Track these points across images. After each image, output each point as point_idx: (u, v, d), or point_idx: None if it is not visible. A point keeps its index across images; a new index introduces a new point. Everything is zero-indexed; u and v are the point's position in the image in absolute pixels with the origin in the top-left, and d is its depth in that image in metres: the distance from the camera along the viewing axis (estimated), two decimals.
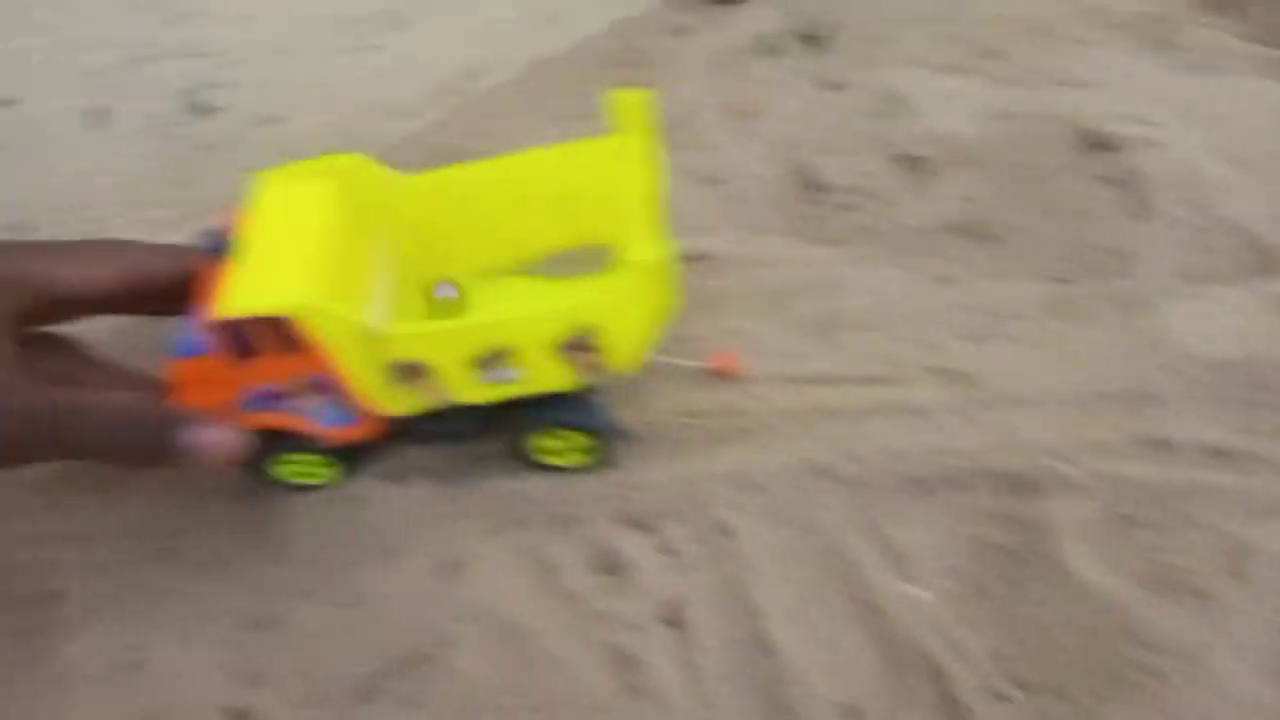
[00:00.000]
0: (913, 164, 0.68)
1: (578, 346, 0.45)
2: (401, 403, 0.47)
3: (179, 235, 0.52)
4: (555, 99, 0.78)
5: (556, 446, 0.51)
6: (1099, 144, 0.66)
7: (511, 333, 0.45)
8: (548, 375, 0.47)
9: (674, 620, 0.46)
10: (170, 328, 0.50)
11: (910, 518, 0.49)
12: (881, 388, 0.55)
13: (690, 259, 0.60)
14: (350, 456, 0.51)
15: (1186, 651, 0.43)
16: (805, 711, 0.43)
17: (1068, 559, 0.47)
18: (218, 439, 0.43)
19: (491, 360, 0.45)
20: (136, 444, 0.42)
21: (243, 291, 0.43)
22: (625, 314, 0.46)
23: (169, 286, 0.48)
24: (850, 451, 0.51)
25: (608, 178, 0.52)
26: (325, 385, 0.46)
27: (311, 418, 0.48)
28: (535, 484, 0.51)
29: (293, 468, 0.51)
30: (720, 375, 0.55)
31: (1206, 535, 0.47)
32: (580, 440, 0.50)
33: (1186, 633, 0.44)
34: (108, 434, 0.41)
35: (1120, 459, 0.50)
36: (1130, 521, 0.48)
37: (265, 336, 0.44)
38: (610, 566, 0.48)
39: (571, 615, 0.47)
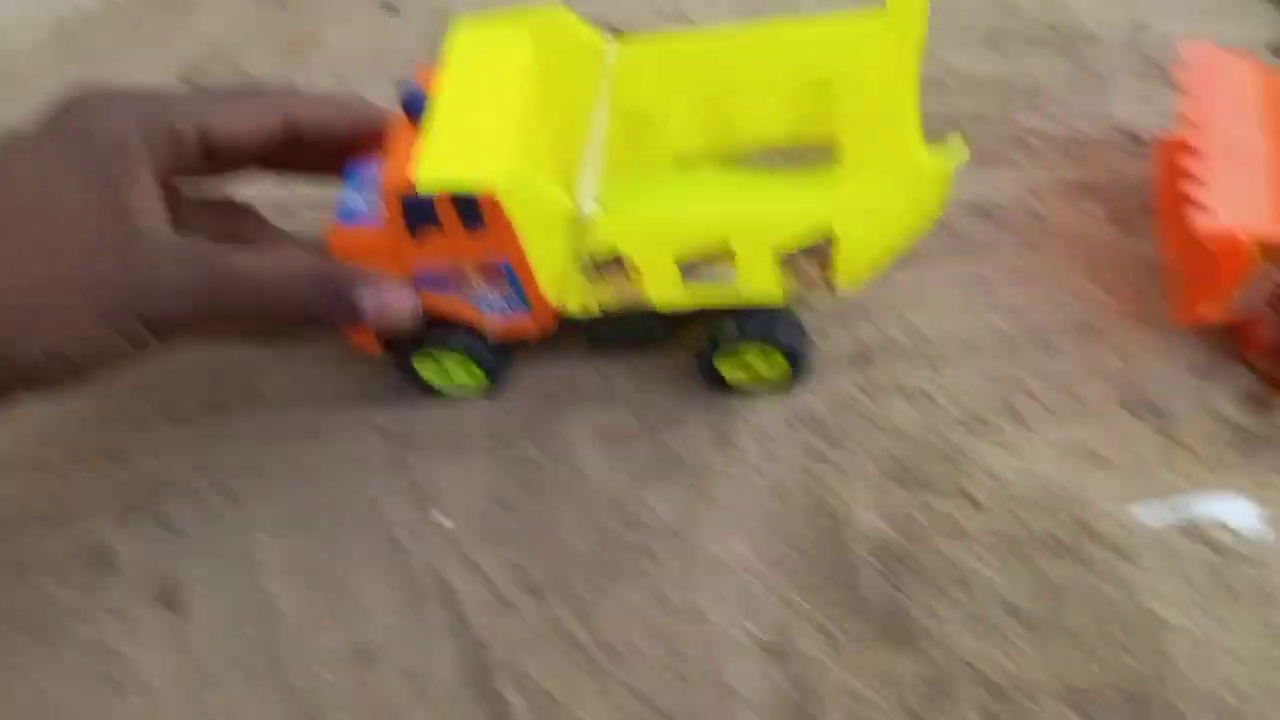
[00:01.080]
0: None
1: (809, 255, 0.39)
2: (588, 299, 0.42)
3: None
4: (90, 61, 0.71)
5: (743, 363, 0.45)
6: None
7: (746, 230, 0.38)
8: (763, 284, 0.40)
9: (168, 602, 0.44)
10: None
11: (442, 447, 0.49)
12: None
13: None
14: (496, 364, 0.47)
15: (675, 527, 0.45)
16: (308, 664, 0.42)
17: (583, 462, 0.48)
18: (402, 299, 0.41)
19: (704, 262, 0.39)
20: (321, 304, 0.40)
21: (439, 163, 0.37)
22: (880, 223, 0.39)
23: (333, 139, 0.43)
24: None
25: (865, 65, 0.44)
26: (499, 272, 0.41)
27: (481, 306, 0.43)
28: (20, 483, 0.47)
29: (434, 367, 0.46)
30: None
31: (697, 412, 0.49)
32: (775, 361, 0.45)
33: (677, 509, 0.45)
34: (291, 295, 0.39)
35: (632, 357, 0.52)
36: (641, 413, 0.49)
37: (450, 212, 0.39)
38: (101, 559, 0.45)
39: (52, 622, 0.43)
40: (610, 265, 0.41)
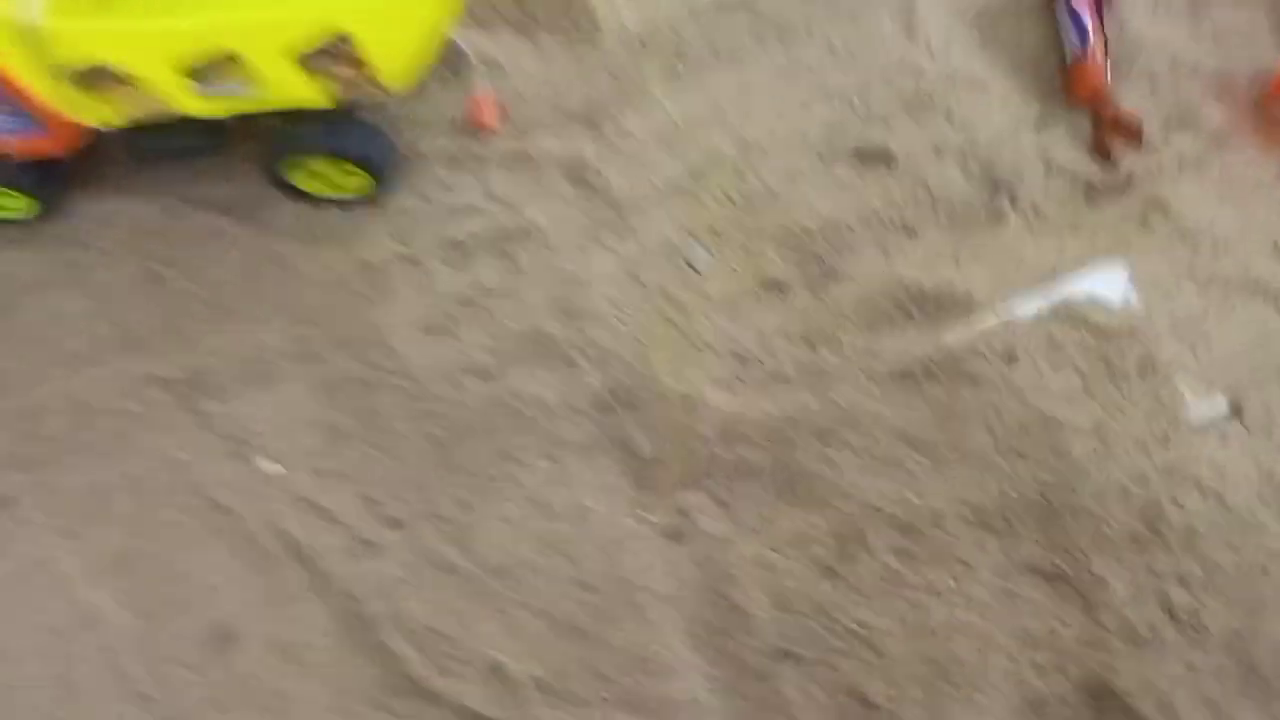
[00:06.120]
0: None
1: (332, 57, 0.37)
2: (97, 112, 0.38)
3: None
4: None
5: (314, 172, 0.42)
6: None
7: (229, 37, 0.35)
8: (291, 89, 0.37)
9: None
10: None
11: (252, 389, 0.42)
12: None
13: None
14: (48, 186, 0.42)
15: None
16: (157, 666, 0.37)
17: (410, 364, 0.43)
18: None
19: (210, 69, 0.36)
20: None
21: None
22: (389, 19, 0.36)
23: None
24: None
25: None
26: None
27: None
28: None
29: None
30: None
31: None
32: (350, 171, 0.42)
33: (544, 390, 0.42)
34: None
35: None
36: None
37: None
38: None
39: None
40: (102, 77, 0.37)
